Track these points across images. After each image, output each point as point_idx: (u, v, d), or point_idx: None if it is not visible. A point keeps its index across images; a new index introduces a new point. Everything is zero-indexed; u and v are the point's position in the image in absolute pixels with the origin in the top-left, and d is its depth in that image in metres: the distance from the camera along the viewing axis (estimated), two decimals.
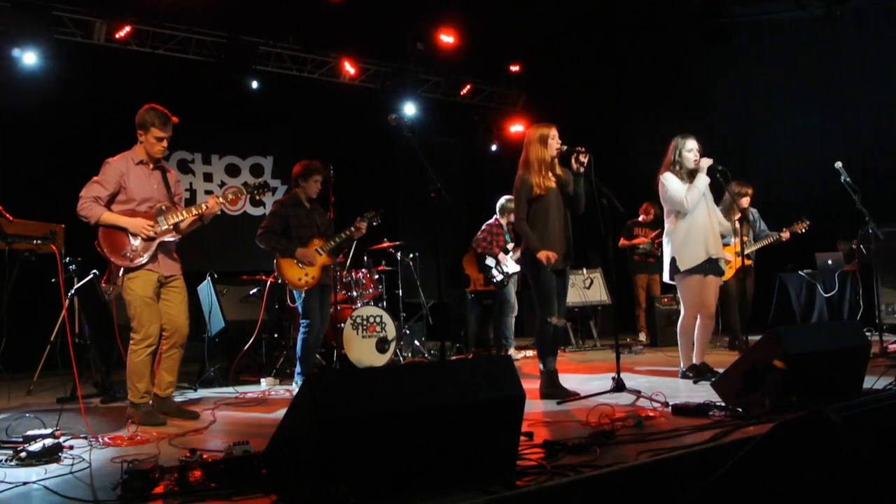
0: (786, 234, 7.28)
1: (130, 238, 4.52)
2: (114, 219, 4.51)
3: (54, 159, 8.16)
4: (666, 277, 5.80)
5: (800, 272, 9.22)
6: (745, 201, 7.36)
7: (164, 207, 4.68)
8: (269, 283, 6.90)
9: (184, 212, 4.73)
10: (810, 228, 7.27)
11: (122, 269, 4.48)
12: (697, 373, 5.56)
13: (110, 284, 5.00)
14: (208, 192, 10.08)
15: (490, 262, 7.95)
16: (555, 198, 5.11)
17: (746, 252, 6.82)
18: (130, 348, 4.55)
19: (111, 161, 4.61)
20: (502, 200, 8.07)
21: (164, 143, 4.70)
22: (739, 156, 10.10)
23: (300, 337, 5.89)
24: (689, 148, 5.63)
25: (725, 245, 6.28)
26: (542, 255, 4.94)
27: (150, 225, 4.56)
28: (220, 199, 4.83)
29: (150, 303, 4.56)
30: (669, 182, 5.63)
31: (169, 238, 4.70)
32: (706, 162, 5.59)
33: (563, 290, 5.18)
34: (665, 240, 5.77)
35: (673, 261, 5.64)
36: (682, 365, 5.72)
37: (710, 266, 5.60)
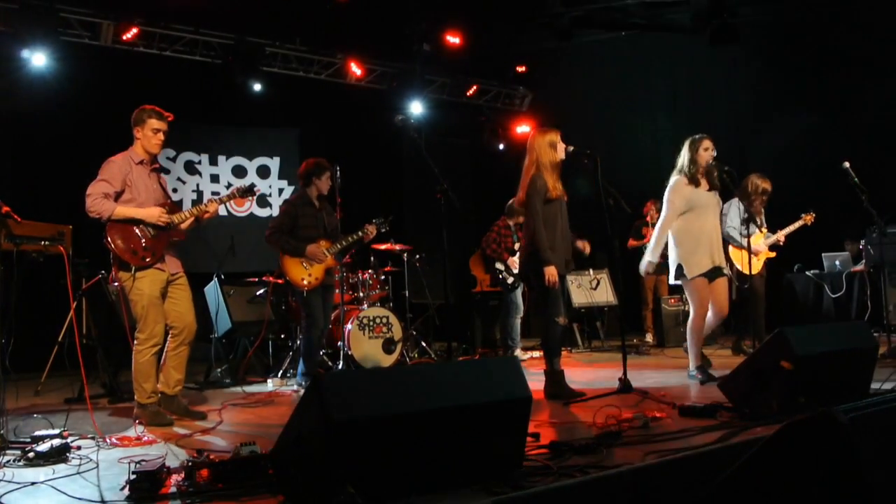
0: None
1: (140, 236, 4.53)
2: (128, 212, 4.52)
3: (62, 161, 8.19)
4: (671, 279, 5.82)
5: (807, 273, 9.19)
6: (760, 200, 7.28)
7: (167, 208, 4.71)
8: (272, 283, 6.90)
9: (185, 213, 4.77)
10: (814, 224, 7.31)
11: (133, 267, 4.49)
12: (704, 373, 5.57)
13: (114, 283, 5.01)
14: (215, 193, 10.08)
15: (500, 265, 7.95)
16: (562, 203, 5.14)
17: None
18: (135, 349, 4.56)
19: (114, 160, 4.61)
20: (511, 202, 8.07)
21: (161, 136, 4.69)
22: (742, 155, 10.06)
23: (304, 335, 5.91)
24: (699, 149, 5.65)
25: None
26: (549, 274, 4.95)
27: (164, 212, 4.58)
28: (218, 203, 4.88)
29: (157, 302, 4.58)
30: (676, 191, 5.69)
31: (174, 238, 4.73)
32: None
33: (562, 293, 5.21)
34: (671, 241, 5.78)
35: (679, 267, 5.67)
36: (690, 365, 5.71)
37: (714, 272, 5.64)
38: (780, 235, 7.28)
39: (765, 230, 7.29)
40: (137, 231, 4.54)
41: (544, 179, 5.07)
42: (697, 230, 5.59)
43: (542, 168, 5.11)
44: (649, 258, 5.79)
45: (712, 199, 5.70)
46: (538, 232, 5.03)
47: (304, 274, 5.87)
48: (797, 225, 7.33)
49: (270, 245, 5.99)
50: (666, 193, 5.74)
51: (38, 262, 5.04)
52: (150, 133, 4.65)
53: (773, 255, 7.30)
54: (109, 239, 4.48)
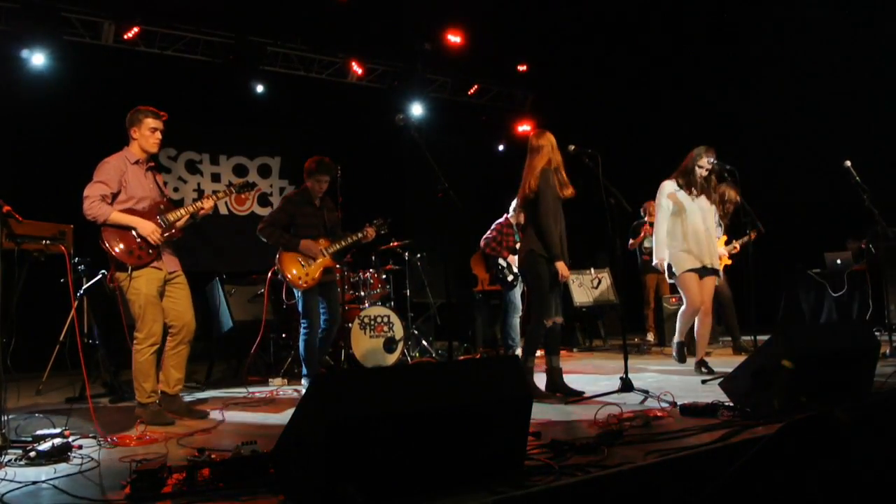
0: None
1: (136, 236, 4.52)
2: (124, 218, 4.51)
3: (63, 160, 8.18)
4: (668, 277, 6.08)
5: (808, 272, 9.19)
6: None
7: (163, 207, 4.70)
8: (269, 276, 6.82)
9: (181, 210, 4.75)
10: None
11: (129, 267, 4.49)
12: (679, 352, 5.97)
13: (112, 283, 5.00)
14: (216, 192, 10.08)
15: (502, 262, 7.95)
16: (561, 202, 5.15)
17: None
18: (134, 348, 4.55)
19: (109, 160, 4.60)
20: (517, 200, 8.05)
21: (159, 135, 4.69)
22: (743, 156, 10.05)
23: (301, 338, 5.87)
24: (702, 164, 5.85)
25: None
26: (562, 269, 4.95)
27: (158, 229, 4.57)
28: (215, 200, 4.88)
29: (154, 301, 4.57)
30: (663, 193, 5.93)
31: (171, 236, 4.72)
32: None
33: (559, 290, 5.19)
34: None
35: (669, 266, 5.93)
36: (675, 339, 6.06)
37: (705, 271, 5.85)
38: (736, 245, 7.64)
39: (725, 238, 7.64)
40: (133, 231, 4.53)
41: (553, 177, 5.08)
42: (683, 231, 5.82)
43: (552, 164, 5.11)
44: (657, 256, 6.03)
45: (703, 203, 5.87)
46: (548, 226, 4.95)
47: (301, 273, 5.79)
48: (744, 239, 7.54)
49: (262, 238, 5.89)
50: (657, 196, 6.00)
51: (39, 261, 5.04)
52: (148, 132, 4.64)
53: (730, 262, 7.67)
54: (105, 241, 4.48)
